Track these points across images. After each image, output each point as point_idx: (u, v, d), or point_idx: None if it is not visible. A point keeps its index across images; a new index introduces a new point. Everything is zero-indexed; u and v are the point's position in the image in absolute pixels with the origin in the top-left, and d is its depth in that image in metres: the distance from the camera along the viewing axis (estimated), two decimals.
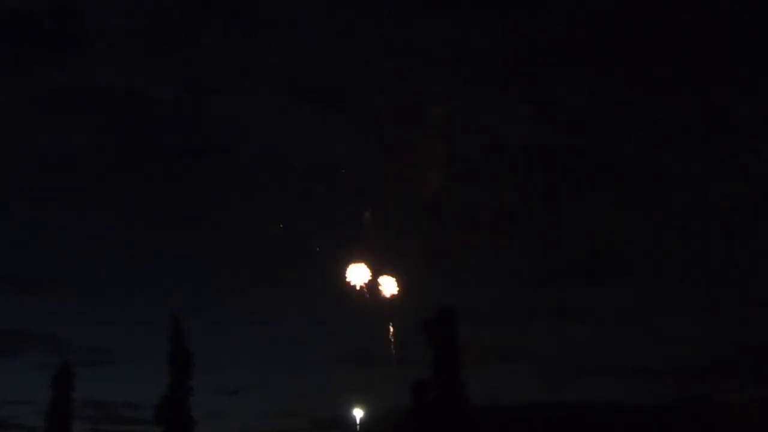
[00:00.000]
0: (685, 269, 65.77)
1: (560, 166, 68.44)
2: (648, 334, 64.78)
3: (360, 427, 53.00)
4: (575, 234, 68.06)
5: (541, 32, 65.88)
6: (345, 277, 44.26)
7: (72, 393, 50.89)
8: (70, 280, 78.75)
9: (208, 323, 70.54)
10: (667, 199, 67.93)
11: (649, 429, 52.68)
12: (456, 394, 46.70)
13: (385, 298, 51.09)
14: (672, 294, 65.56)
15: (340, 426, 55.92)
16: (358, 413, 53.05)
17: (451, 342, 48.06)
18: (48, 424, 50.06)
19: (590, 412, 54.52)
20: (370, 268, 44.71)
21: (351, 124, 76.82)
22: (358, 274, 43.37)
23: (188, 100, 76.32)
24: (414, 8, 64.58)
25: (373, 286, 47.07)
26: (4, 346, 69.81)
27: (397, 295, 48.90)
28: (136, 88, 77.29)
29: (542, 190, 67.70)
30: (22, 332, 70.75)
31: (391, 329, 55.08)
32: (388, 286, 45.68)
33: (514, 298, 65.09)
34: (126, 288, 74.53)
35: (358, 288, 47.26)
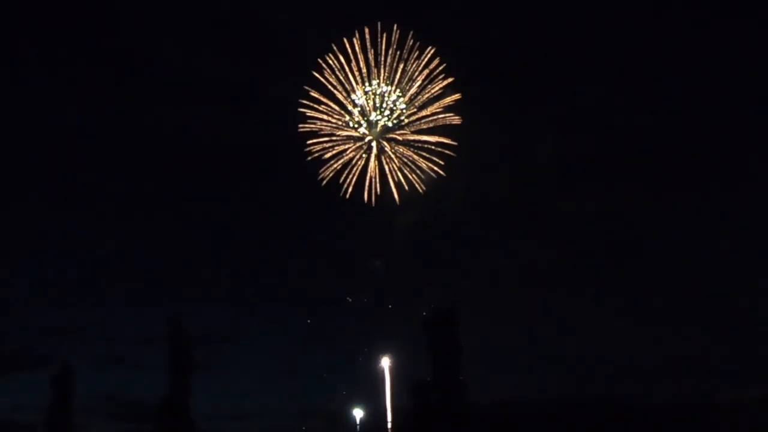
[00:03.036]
0: (685, 269, 65.90)
1: (559, 167, 68.57)
2: (648, 334, 64.91)
3: (360, 427, 52.97)
4: (576, 234, 68.24)
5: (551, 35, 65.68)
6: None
7: (72, 393, 51.01)
8: (70, 281, 78.72)
9: (208, 324, 70.70)
10: (667, 199, 68.09)
11: (649, 428, 52.74)
12: (456, 394, 46.79)
13: None
14: (672, 294, 65.65)
15: (340, 426, 55.92)
16: (358, 413, 53.02)
17: (451, 342, 48.16)
18: (48, 424, 50.11)
19: (591, 412, 54.50)
20: None
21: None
22: None
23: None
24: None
25: None
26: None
27: None
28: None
29: (542, 190, 67.87)
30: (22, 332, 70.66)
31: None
32: None
33: (514, 298, 65.11)
34: (126, 288, 74.56)
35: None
